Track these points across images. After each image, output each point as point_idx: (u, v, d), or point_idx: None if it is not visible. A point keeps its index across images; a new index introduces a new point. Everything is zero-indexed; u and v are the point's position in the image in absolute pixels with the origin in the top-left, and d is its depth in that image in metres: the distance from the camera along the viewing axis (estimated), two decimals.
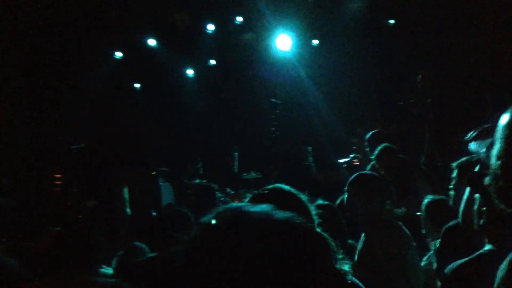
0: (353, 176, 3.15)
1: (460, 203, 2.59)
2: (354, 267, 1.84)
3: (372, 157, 5.25)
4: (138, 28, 9.59)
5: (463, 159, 2.69)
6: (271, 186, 1.75)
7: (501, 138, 1.18)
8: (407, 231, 3.00)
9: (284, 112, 8.28)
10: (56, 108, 9.59)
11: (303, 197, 1.72)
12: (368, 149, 5.69)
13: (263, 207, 0.95)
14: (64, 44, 9.31)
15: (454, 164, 2.73)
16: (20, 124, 9.28)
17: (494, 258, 1.88)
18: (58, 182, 9.06)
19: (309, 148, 9.03)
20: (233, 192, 8.28)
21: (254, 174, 8.49)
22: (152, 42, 10.02)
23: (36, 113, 9.43)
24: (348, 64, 9.24)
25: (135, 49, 10.10)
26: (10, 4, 8.47)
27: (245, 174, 8.58)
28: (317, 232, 1.03)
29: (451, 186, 2.73)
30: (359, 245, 3.07)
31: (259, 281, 0.84)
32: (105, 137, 9.87)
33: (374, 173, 3.27)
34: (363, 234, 3.11)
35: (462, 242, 2.31)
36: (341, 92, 9.34)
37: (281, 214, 0.93)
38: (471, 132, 2.47)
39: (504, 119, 1.19)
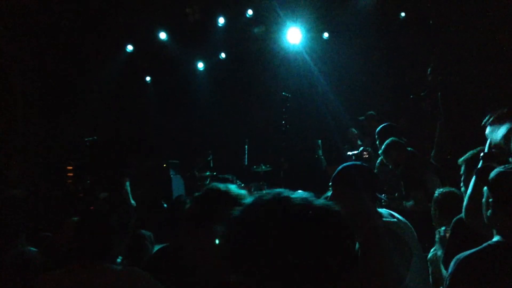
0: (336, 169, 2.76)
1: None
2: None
3: (380, 151, 5.28)
4: (149, 21, 9.65)
5: (468, 154, 2.72)
6: (208, 187, 1.90)
7: None
8: (410, 233, 2.48)
9: (294, 105, 8.31)
10: (69, 101, 9.70)
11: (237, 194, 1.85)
12: (378, 142, 5.72)
13: (302, 194, 1.01)
14: (77, 38, 9.40)
15: (461, 160, 2.75)
16: (34, 116, 9.41)
17: (502, 250, 1.92)
18: (70, 174, 9.21)
19: (319, 141, 9.06)
20: (243, 184, 8.35)
21: (264, 167, 8.54)
22: (163, 35, 10.08)
23: (50, 106, 9.55)
24: (358, 57, 9.23)
25: (147, 43, 10.17)
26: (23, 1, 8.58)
27: (255, 167, 8.63)
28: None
29: (461, 183, 2.76)
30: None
31: (297, 262, 0.89)
32: (117, 130, 9.98)
33: (362, 164, 2.74)
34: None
35: (471, 234, 2.33)
36: (351, 85, 9.34)
37: (319, 201, 0.99)
38: (487, 117, 2.46)
39: None
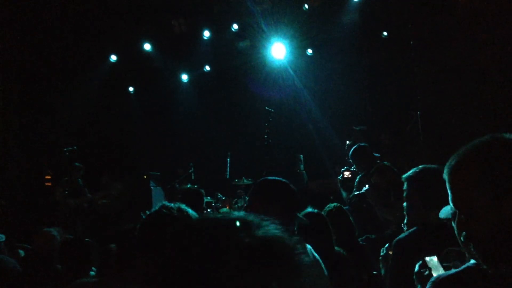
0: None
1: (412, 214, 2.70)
2: None
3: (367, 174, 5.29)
4: (134, 32, 9.63)
5: (411, 171, 2.78)
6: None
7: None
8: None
9: (277, 119, 8.35)
10: (50, 109, 9.57)
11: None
12: (353, 162, 5.81)
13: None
14: (60, 47, 9.32)
15: (404, 177, 2.80)
16: (12, 124, 9.24)
17: (480, 272, 1.94)
18: (48, 184, 9.05)
19: (301, 156, 9.10)
20: (224, 198, 8.32)
21: (245, 181, 8.52)
22: (147, 46, 10.06)
23: (30, 113, 9.41)
24: (341, 73, 9.35)
25: (131, 53, 10.13)
26: (6, 7, 8.48)
27: (236, 180, 8.60)
28: None
29: (404, 196, 2.81)
30: None
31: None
32: (98, 140, 9.87)
33: (280, 179, 2.57)
34: None
35: (412, 254, 2.38)
36: (334, 101, 9.44)
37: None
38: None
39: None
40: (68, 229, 6.92)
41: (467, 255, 2.06)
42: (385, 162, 5.07)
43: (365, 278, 3.37)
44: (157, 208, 1.91)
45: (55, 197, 8.00)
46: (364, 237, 4.21)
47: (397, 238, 2.69)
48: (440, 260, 2.35)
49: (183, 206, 1.91)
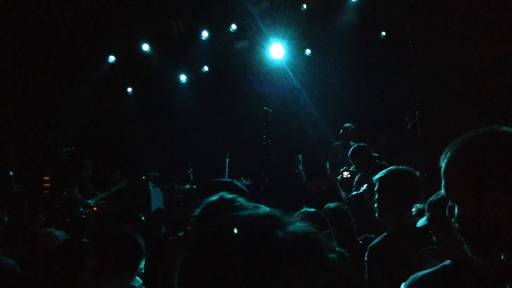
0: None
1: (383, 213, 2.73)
2: None
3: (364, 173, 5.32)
4: (133, 32, 9.63)
5: (384, 172, 2.79)
6: (219, 195, 1.81)
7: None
8: None
9: (276, 120, 8.35)
10: (48, 110, 9.56)
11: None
12: (351, 162, 5.83)
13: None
14: (59, 48, 9.31)
15: (375, 178, 2.81)
16: (11, 125, 9.23)
17: (457, 271, 1.95)
18: (47, 185, 9.04)
19: (300, 157, 9.10)
20: None
21: (244, 181, 8.52)
22: (146, 47, 10.06)
23: (28, 114, 9.40)
24: (340, 74, 9.35)
25: (129, 54, 10.13)
26: (5, 8, 8.48)
27: (235, 180, 8.59)
28: None
29: (375, 198, 2.81)
30: None
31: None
32: (97, 141, 9.86)
33: (232, 181, 2.57)
34: None
35: (388, 258, 2.39)
36: (332, 101, 9.44)
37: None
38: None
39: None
40: (79, 228, 6.94)
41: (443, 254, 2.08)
42: (383, 162, 5.08)
43: (365, 278, 3.37)
44: (217, 197, 1.80)
45: (70, 196, 7.89)
46: (363, 237, 4.22)
47: (370, 244, 2.70)
48: (417, 260, 2.37)
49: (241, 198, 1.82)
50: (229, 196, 1.77)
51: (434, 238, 2.08)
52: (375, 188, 2.81)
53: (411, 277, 1.98)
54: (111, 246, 2.55)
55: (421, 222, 2.16)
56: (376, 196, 2.80)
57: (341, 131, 7.66)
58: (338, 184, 6.25)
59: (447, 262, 1.98)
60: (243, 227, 0.91)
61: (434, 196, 2.11)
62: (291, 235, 0.90)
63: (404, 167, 2.79)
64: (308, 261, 0.88)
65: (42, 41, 9.16)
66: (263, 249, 0.86)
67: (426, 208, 2.13)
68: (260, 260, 0.85)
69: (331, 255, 0.94)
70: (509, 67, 7.19)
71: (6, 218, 6.15)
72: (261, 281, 0.84)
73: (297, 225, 0.93)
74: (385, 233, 2.69)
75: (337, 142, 7.77)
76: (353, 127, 7.64)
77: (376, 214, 2.83)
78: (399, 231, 2.59)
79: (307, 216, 2.89)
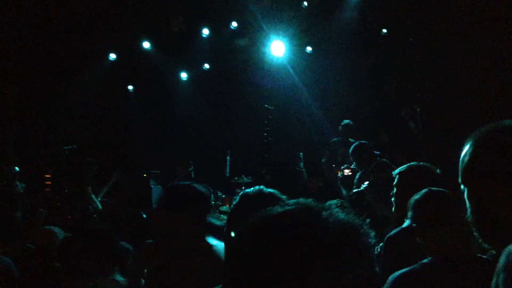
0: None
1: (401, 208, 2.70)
2: None
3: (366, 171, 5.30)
4: (133, 30, 9.62)
5: (404, 166, 2.79)
6: (257, 188, 1.74)
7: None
8: None
9: (277, 117, 8.35)
10: (49, 108, 9.57)
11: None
12: (353, 159, 5.82)
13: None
14: (59, 46, 9.31)
15: (395, 172, 2.81)
16: (12, 123, 9.24)
17: (436, 268, 1.96)
18: (48, 182, 9.04)
19: (301, 154, 9.10)
20: (224, 196, 8.32)
21: (245, 179, 8.52)
22: (146, 44, 10.05)
23: (29, 112, 9.41)
24: (341, 71, 9.34)
25: (130, 52, 10.12)
26: (5, 6, 8.47)
27: (236, 178, 8.60)
28: None
29: (393, 192, 2.81)
30: None
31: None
32: (98, 139, 9.87)
33: (192, 184, 2.45)
34: None
35: (403, 252, 2.38)
36: (333, 99, 9.44)
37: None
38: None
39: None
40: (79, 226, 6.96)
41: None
42: (384, 159, 5.07)
43: (365, 276, 3.36)
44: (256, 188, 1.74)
45: (85, 195, 7.88)
46: None
47: (388, 235, 2.69)
48: None
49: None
50: (268, 190, 1.73)
51: (417, 238, 2.09)
52: (394, 182, 2.80)
53: (391, 276, 2.00)
54: (88, 243, 2.56)
55: (406, 222, 2.17)
56: (394, 190, 2.79)
57: (340, 128, 7.65)
58: (339, 182, 6.25)
59: (427, 259, 1.99)
60: (292, 219, 0.92)
61: (417, 195, 2.12)
62: (338, 222, 0.92)
63: (425, 163, 2.77)
64: (356, 251, 0.91)
65: (43, 39, 9.16)
66: (314, 240, 0.88)
67: (409, 207, 2.14)
68: (312, 250, 0.87)
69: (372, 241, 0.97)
70: (510, 64, 7.17)
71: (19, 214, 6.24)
72: (314, 271, 0.86)
73: (336, 213, 0.95)
74: (403, 226, 2.67)
75: (335, 139, 7.76)
76: (352, 123, 7.64)
77: (393, 208, 2.83)
78: None
79: None
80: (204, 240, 2.26)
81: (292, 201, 1.01)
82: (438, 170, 2.74)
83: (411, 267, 2.00)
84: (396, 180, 2.80)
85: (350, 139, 7.41)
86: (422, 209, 2.07)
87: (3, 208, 7.19)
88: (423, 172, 2.71)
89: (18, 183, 7.56)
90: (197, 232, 2.26)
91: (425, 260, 2.00)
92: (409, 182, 2.70)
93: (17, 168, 7.42)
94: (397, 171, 2.82)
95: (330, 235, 0.89)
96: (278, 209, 0.96)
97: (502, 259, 1.15)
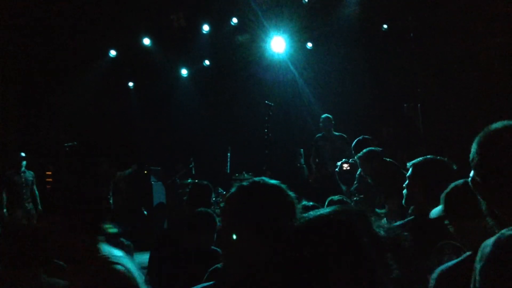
0: None
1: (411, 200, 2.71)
2: None
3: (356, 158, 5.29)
4: (134, 27, 9.60)
5: (420, 159, 2.75)
6: (257, 179, 1.62)
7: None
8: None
9: (278, 113, 8.34)
10: (50, 104, 9.56)
11: (290, 193, 1.59)
12: (355, 154, 5.78)
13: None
14: (60, 43, 9.30)
15: (409, 164, 2.77)
16: (13, 120, 9.24)
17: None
18: (49, 179, 9.05)
19: (301, 150, 9.10)
20: (224, 192, 8.32)
21: (246, 175, 8.52)
22: (147, 41, 10.03)
23: (30, 109, 9.40)
24: (341, 67, 9.33)
25: (130, 48, 10.11)
26: (6, 3, 8.46)
27: (237, 174, 8.61)
28: None
29: (405, 185, 2.79)
30: None
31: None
32: (98, 136, 9.86)
33: None
34: None
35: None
36: (334, 94, 9.43)
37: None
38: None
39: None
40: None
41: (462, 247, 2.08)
42: (374, 148, 5.02)
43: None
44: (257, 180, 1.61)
45: (119, 188, 7.92)
46: None
47: (440, 268, 2.65)
48: (435, 252, 2.36)
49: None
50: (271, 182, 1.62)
51: (451, 228, 2.07)
52: (408, 174, 2.76)
53: (438, 270, 1.98)
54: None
55: (436, 212, 2.15)
56: (407, 182, 2.76)
57: (321, 123, 7.64)
58: (337, 177, 6.21)
59: (469, 253, 1.98)
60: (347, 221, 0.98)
61: (449, 187, 2.10)
62: (386, 231, 1.00)
63: (442, 157, 2.70)
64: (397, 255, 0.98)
65: (44, 36, 9.14)
66: (364, 244, 0.94)
67: (442, 199, 2.11)
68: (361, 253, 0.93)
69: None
70: (510, 59, 7.16)
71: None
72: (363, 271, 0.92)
73: (381, 222, 1.01)
74: (410, 218, 2.65)
75: (319, 134, 7.74)
76: (331, 117, 7.62)
77: (403, 201, 2.80)
78: (424, 218, 2.54)
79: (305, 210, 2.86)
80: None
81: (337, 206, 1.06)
82: (454, 166, 2.69)
83: (456, 260, 1.99)
84: (410, 171, 2.75)
85: (334, 133, 7.42)
86: (453, 201, 2.04)
87: None
88: (438, 166, 2.64)
89: (26, 170, 7.59)
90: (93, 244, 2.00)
91: (467, 254, 1.99)
92: (422, 174, 2.65)
93: (24, 162, 7.44)
94: (411, 162, 2.77)
95: (385, 238, 0.97)
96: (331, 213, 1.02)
97: (478, 254, 1.25)
